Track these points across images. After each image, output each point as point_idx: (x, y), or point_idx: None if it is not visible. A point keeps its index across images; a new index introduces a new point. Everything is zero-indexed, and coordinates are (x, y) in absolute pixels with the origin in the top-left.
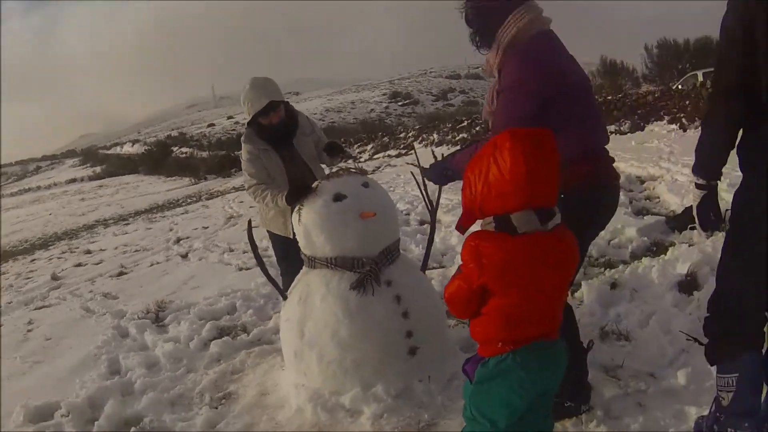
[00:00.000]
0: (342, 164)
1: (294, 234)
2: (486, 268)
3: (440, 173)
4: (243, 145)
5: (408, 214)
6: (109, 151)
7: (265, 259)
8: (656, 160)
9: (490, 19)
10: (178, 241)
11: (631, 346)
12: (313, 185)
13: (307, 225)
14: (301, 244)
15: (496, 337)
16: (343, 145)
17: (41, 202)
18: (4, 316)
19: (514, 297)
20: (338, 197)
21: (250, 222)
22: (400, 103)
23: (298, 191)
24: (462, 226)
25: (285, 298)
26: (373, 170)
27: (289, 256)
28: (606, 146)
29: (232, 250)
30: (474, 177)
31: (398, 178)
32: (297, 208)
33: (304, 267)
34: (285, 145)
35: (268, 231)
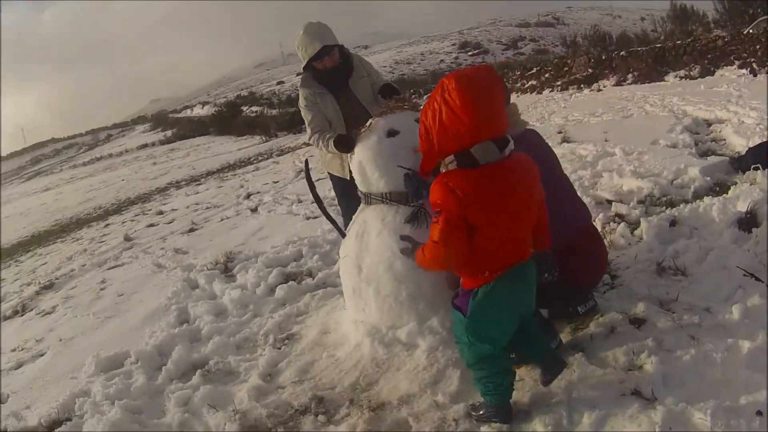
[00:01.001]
0: (394, 101)
1: (351, 175)
2: (462, 200)
3: (415, 189)
4: (300, 90)
5: None
6: (179, 115)
7: (327, 203)
8: (724, 104)
9: None
10: (248, 196)
11: (687, 281)
12: (367, 123)
13: (362, 161)
14: (357, 180)
15: (483, 268)
16: (402, 91)
17: (113, 170)
18: (78, 278)
19: (492, 223)
20: (392, 133)
21: (306, 162)
22: (470, 53)
23: (344, 139)
24: (426, 171)
25: (344, 236)
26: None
27: (348, 196)
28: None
29: (300, 201)
30: (428, 121)
31: None
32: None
33: (361, 204)
34: (341, 88)
35: (328, 173)
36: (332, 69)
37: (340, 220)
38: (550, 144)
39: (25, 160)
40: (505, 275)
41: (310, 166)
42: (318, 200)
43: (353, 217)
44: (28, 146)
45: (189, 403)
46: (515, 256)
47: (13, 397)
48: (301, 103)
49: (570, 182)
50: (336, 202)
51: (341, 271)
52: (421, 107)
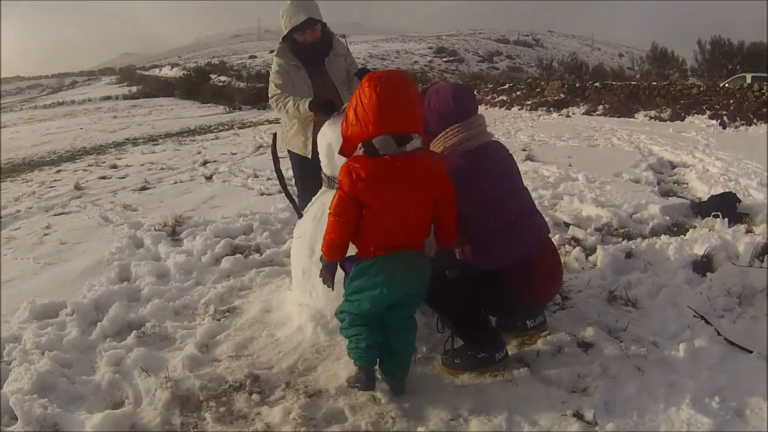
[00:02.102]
0: None
1: (312, 154)
2: (356, 181)
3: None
4: (274, 58)
5: None
6: (147, 72)
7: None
8: (691, 150)
9: (428, 129)
10: (204, 163)
11: (637, 313)
12: (342, 108)
13: (332, 144)
14: (323, 163)
15: (368, 243)
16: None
17: (73, 117)
18: (23, 220)
19: (379, 206)
20: None
21: (275, 135)
22: (444, 59)
23: (324, 101)
24: (345, 152)
25: (300, 216)
26: None
27: (306, 176)
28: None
29: (256, 176)
30: (349, 111)
31: None
32: (321, 129)
33: (322, 187)
34: (316, 65)
35: (288, 151)
36: (312, 44)
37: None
38: (515, 159)
39: None
40: (387, 255)
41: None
42: (279, 175)
43: (312, 198)
44: None
45: (121, 364)
46: (400, 241)
47: None
48: (273, 68)
49: (530, 196)
50: (293, 181)
51: (292, 251)
52: None
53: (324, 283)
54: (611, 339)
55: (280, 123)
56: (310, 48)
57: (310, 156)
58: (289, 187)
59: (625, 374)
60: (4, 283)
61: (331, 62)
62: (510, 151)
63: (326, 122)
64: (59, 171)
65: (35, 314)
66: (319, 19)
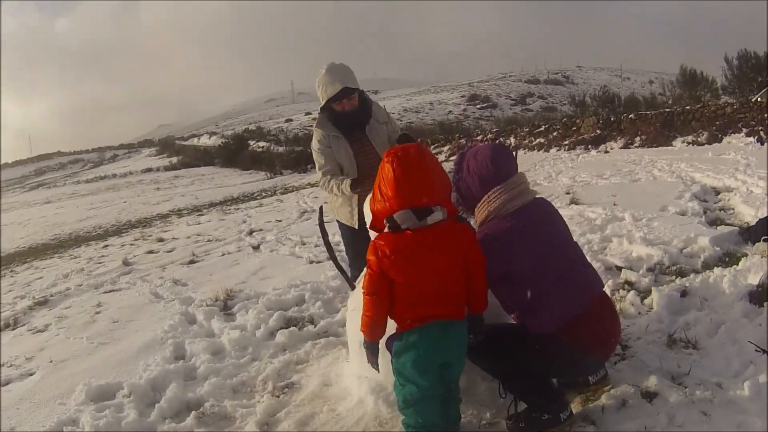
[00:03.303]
0: None
1: (359, 225)
2: (382, 258)
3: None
4: (314, 130)
5: None
6: (186, 142)
7: (336, 253)
8: (732, 172)
9: (468, 195)
10: (250, 232)
11: (698, 354)
12: None
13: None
14: (371, 234)
15: (405, 316)
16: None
17: (116, 190)
18: (74, 298)
19: (406, 280)
20: None
21: (321, 208)
22: (478, 106)
23: (362, 180)
24: (375, 227)
25: (353, 288)
26: (449, 171)
27: (356, 246)
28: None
29: (304, 244)
30: (375, 188)
31: None
32: (366, 200)
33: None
34: (357, 133)
35: (337, 221)
36: (350, 112)
37: (347, 269)
38: (558, 205)
39: (30, 169)
40: (424, 326)
41: (324, 212)
42: (329, 248)
43: (364, 267)
44: (34, 156)
45: None
46: (435, 311)
47: None
48: (314, 145)
49: (580, 250)
50: (344, 250)
51: (348, 324)
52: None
53: (372, 366)
54: (675, 386)
55: (318, 183)
56: (350, 116)
57: (356, 227)
58: (338, 255)
59: (691, 421)
60: (59, 364)
61: (372, 129)
62: (554, 206)
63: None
64: (106, 246)
65: (92, 396)
66: (355, 87)
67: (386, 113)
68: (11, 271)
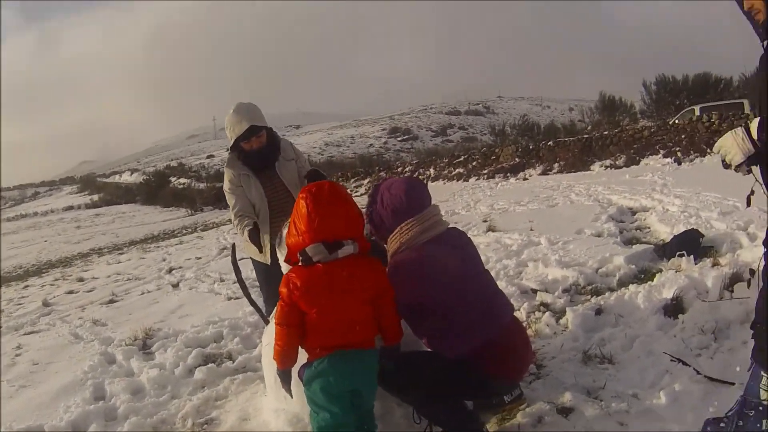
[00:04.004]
0: None
1: (271, 260)
2: (293, 291)
3: None
4: (225, 171)
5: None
6: (107, 179)
7: (251, 289)
8: (649, 192)
9: (381, 226)
10: (170, 270)
11: (614, 368)
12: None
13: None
14: (284, 269)
15: (313, 345)
16: (328, 174)
17: (37, 229)
18: None
19: (316, 311)
20: None
21: (233, 246)
22: (399, 138)
23: (256, 232)
24: (289, 261)
25: (267, 322)
26: (363, 206)
27: (269, 281)
28: (499, 334)
29: (222, 280)
30: (291, 224)
31: None
32: (280, 233)
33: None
34: (266, 171)
35: (251, 259)
36: (259, 150)
37: (261, 303)
38: (476, 233)
39: None
40: (333, 354)
41: (236, 249)
42: (243, 286)
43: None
44: None
45: None
46: (344, 340)
47: None
48: (225, 186)
49: (492, 277)
50: (259, 286)
51: (263, 358)
52: (362, 207)
53: (286, 392)
54: (591, 400)
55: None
56: (259, 154)
57: (269, 263)
58: (253, 291)
59: None
60: None
61: (282, 166)
62: (467, 236)
63: (284, 225)
64: (26, 287)
65: None
66: (262, 125)
67: (294, 149)
68: None
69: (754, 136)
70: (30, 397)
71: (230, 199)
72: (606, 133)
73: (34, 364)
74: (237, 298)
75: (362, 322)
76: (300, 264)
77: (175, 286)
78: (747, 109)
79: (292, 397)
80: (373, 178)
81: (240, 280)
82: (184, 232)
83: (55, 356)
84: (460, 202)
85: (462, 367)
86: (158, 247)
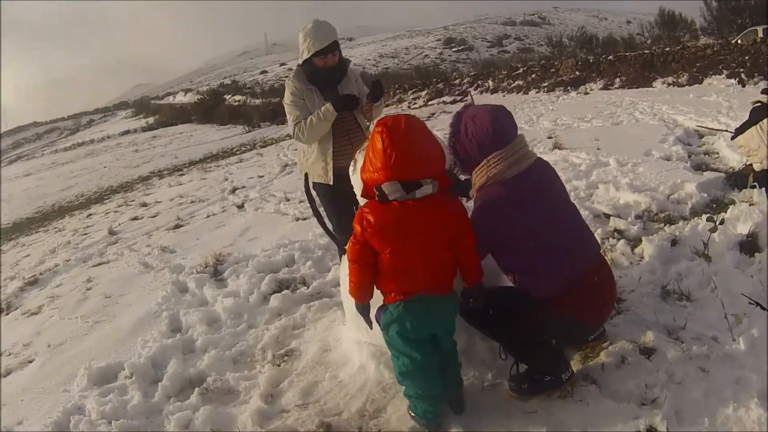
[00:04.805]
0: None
1: (333, 180)
2: (365, 228)
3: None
4: (288, 82)
5: None
6: (161, 101)
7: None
8: (715, 115)
9: (466, 159)
10: (233, 191)
11: (692, 306)
12: (362, 102)
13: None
14: (357, 192)
15: (389, 289)
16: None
17: (95, 156)
18: (63, 275)
19: (390, 252)
20: None
21: (306, 176)
22: (454, 49)
23: (345, 97)
24: (366, 195)
25: (344, 252)
26: (428, 117)
27: (338, 205)
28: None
29: (288, 200)
30: (365, 156)
31: None
32: (354, 159)
33: None
34: (330, 90)
35: (313, 183)
36: (330, 68)
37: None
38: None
39: (6, 143)
40: (408, 300)
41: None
42: (319, 218)
43: (342, 222)
44: (9, 129)
45: (190, 426)
46: (419, 285)
47: (3, 411)
48: (287, 98)
49: (577, 211)
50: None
51: (343, 289)
52: (425, 119)
53: (367, 324)
54: (672, 341)
55: (291, 133)
56: (328, 72)
57: (331, 182)
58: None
59: (690, 378)
60: (56, 348)
61: (344, 87)
62: (553, 168)
63: (359, 152)
64: (90, 215)
65: (94, 379)
66: (339, 44)
67: (357, 75)
68: None
69: None
70: (106, 333)
71: (291, 111)
72: (668, 49)
73: (107, 297)
74: (304, 219)
75: (439, 266)
76: (375, 199)
77: (240, 207)
78: None
79: (372, 329)
80: (430, 89)
81: (315, 211)
82: (243, 149)
83: (126, 288)
84: (521, 115)
85: (550, 307)
86: (218, 166)
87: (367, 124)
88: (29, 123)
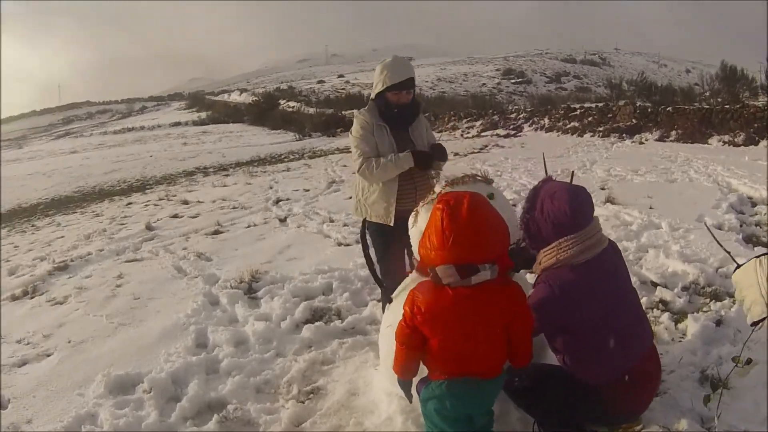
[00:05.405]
0: (469, 170)
1: (394, 223)
2: (416, 314)
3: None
4: (359, 116)
5: (515, 205)
6: (216, 98)
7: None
8: None
9: (538, 237)
10: (277, 202)
11: (728, 396)
12: (435, 192)
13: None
14: (415, 248)
15: (435, 366)
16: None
17: (143, 143)
18: (94, 264)
19: (441, 339)
20: None
21: (364, 222)
22: (512, 81)
23: (428, 158)
24: (421, 271)
25: (390, 301)
26: (481, 148)
27: (390, 250)
28: (634, 369)
29: (332, 221)
30: (425, 233)
31: (505, 162)
32: (415, 211)
33: (413, 273)
34: (400, 131)
35: (367, 222)
36: (402, 106)
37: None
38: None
39: (58, 118)
40: (452, 381)
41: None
42: (371, 265)
43: (403, 282)
44: (63, 105)
45: None
46: (468, 368)
47: (14, 403)
48: (356, 131)
49: (638, 299)
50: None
51: (381, 338)
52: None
53: (405, 396)
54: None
55: (358, 173)
56: (400, 110)
57: (392, 224)
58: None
59: None
60: (77, 345)
61: (415, 129)
62: (621, 253)
63: (423, 206)
64: (129, 204)
65: (111, 387)
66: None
67: (427, 122)
68: (33, 225)
69: None
70: (130, 338)
71: (359, 145)
72: (727, 106)
73: (135, 298)
74: (347, 245)
75: (490, 352)
76: (429, 279)
77: (283, 221)
78: None
79: (411, 402)
80: (485, 120)
81: (367, 257)
82: (291, 157)
83: (157, 291)
84: (575, 160)
85: (595, 394)
86: (265, 171)
87: (433, 174)
88: (82, 101)
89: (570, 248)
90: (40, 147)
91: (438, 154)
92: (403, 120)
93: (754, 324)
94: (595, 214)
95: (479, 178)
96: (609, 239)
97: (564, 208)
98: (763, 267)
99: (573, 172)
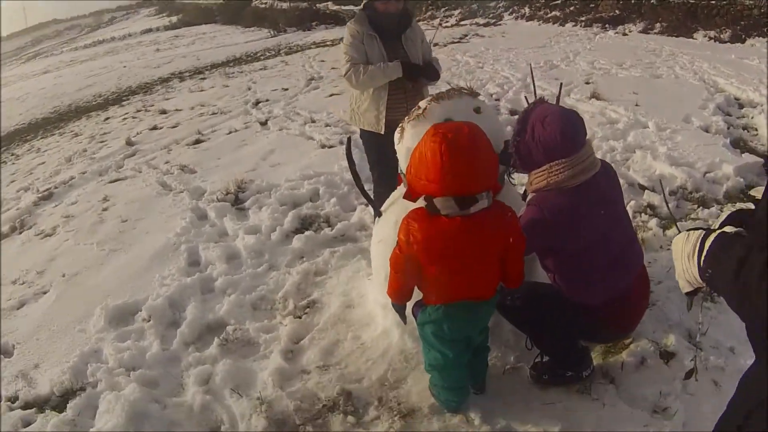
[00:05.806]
0: (455, 84)
1: (384, 131)
2: (413, 243)
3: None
4: (349, 25)
5: (498, 99)
6: (186, 0)
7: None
8: (756, 84)
9: (528, 160)
10: (256, 104)
11: (716, 310)
12: (421, 106)
13: (410, 149)
14: (402, 164)
15: (430, 291)
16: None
17: (115, 54)
18: (78, 189)
19: (437, 268)
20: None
21: (349, 139)
22: None
23: (416, 67)
24: (409, 197)
25: (379, 215)
26: (460, 38)
27: (383, 160)
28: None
29: (314, 121)
30: (412, 158)
31: (486, 53)
32: (400, 126)
33: (402, 185)
34: (392, 40)
35: (360, 131)
36: (392, 15)
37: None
38: (579, 97)
39: (26, 41)
40: (449, 306)
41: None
42: (359, 183)
43: (392, 195)
44: (29, 27)
45: (210, 382)
46: (463, 294)
47: (18, 349)
48: (346, 39)
49: (630, 222)
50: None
51: (373, 253)
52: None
53: (400, 318)
54: (691, 347)
55: (345, 78)
56: (390, 19)
57: (382, 132)
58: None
59: (703, 390)
60: (71, 278)
61: (408, 39)
62: (616, 174)
63: (408, 122)
64: (107, 119)
65: (110, 320)
66: None
67: (423, 33)
68: (12, 155)
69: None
70: (122, 264)
71: (348, 51)
72: (713, 2)
73: (123, 221)
74: (330, 147)
75: (485, 276)
76: (423, 207)
77: (264, 124)
78: None
79: (405, 324)
80: (463, 9)
81: (354, 174)
82: (268, 54)
83: (144, 211)
84: (558, 51)
85: (587, 315)
86: (241, 72)
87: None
88: (49, 20)
89: (561, 172)
90: (11, 72)
91: (428, 72)
92: (394, 30)
93: (687, 295)
94: (582, 110)
95: (465, 91)
96: (602, 160)
97: (555, 134)
98: (689, 241)
99: (561, 86)
